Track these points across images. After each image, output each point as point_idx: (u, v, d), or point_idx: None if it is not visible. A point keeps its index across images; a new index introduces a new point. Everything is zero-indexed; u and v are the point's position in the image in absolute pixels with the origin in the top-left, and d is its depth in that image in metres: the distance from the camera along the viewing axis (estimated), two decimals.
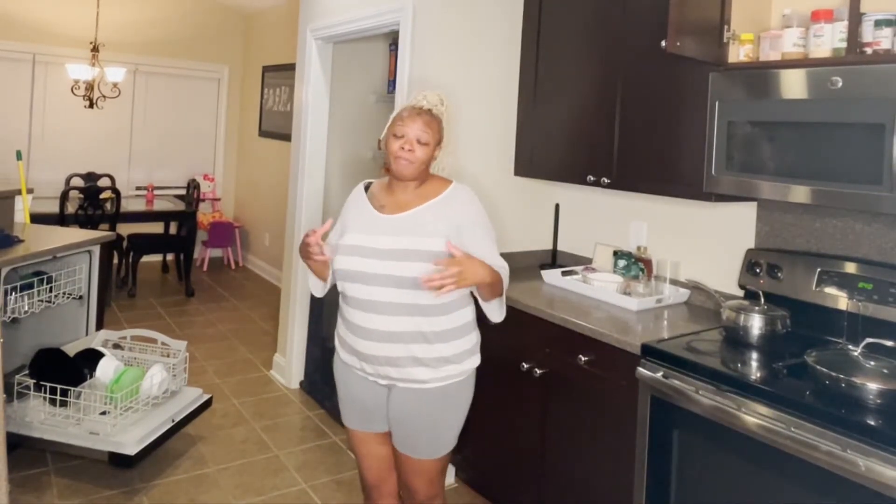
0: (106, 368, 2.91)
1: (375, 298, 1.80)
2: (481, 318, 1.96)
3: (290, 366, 3.87)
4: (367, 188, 2.02)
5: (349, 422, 2.00)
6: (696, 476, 1.86)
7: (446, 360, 1.83)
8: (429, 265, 1.74)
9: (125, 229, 5.84)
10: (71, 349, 3.00)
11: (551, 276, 2.76)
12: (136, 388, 2.85)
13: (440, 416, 1.86)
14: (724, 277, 2.48)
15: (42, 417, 2.74)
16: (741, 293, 2.37)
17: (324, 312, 3.72)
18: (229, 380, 3.90)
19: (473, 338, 1.92)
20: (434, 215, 1.84)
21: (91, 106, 5.69)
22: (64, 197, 5.04)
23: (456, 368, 1.85)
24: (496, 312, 1.92)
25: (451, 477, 2.82)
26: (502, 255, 1.92)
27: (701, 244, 2.59)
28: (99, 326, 3.37)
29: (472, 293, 1.91)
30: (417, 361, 1.80)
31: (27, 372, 2.87)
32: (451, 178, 1.98)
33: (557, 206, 3.18)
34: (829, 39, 1.94)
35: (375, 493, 2.03)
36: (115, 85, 5.76)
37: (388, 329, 1.80)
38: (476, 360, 1.93)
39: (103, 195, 5.22)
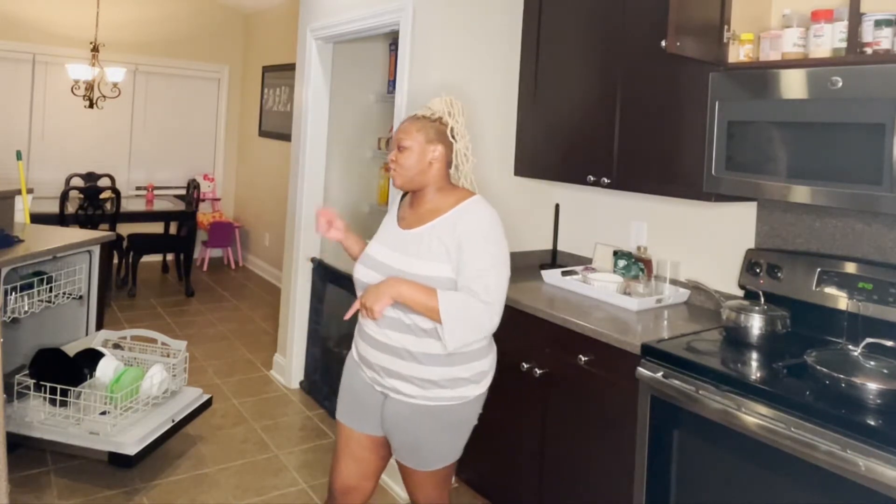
0: (106, 368, 2.91)
1: None
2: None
3: (290, 366, 3.87)
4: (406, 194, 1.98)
5: (341, 415, 1.96)
6: (696, 476, 1.86)
7: (434, 383, 1.76)
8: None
9: (125, 229, 5.84)
10: (71, 349, 2.99)
11: (551, 276, 2.76)
12: (136, 388, 2.85)
13: (428, 433, 1.80)
14: (724, 277, 2.48)
15: (42, 417, 2.74)
16: (741, 293, 2.37)
17: (324, 312, 3.72)
18: (229, 380, 3.90)
19: (477, 366, 1.81)
20: (437, 236, 1.77)
21: (91, 106, 5.68)
22: (64, 197, 5.04)
23: (448, 393, 1.78)
24: (445, 337, 1.70)
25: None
26: None
27: (701, 244, 2.59)
28: (99, 326, 3.37)
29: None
30: (403, 377, 1.78)
31: (27, 372, 2.87)
32: (475, 187, 1.91)
33: (557, 206, 3.18)
34: (829, 39, 1.94)
35: (341, 501, 1.95)
36: (115, 85, 5.76)
37: (383, 340, 1.80)
38: (478, 389, 1.82)
39: (103, 195, 5.22)
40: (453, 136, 1.85)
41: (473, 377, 1.81)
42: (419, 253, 1.78)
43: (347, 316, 1.81)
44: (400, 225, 1.88)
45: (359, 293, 1.88)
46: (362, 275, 1.87)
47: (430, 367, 1.76)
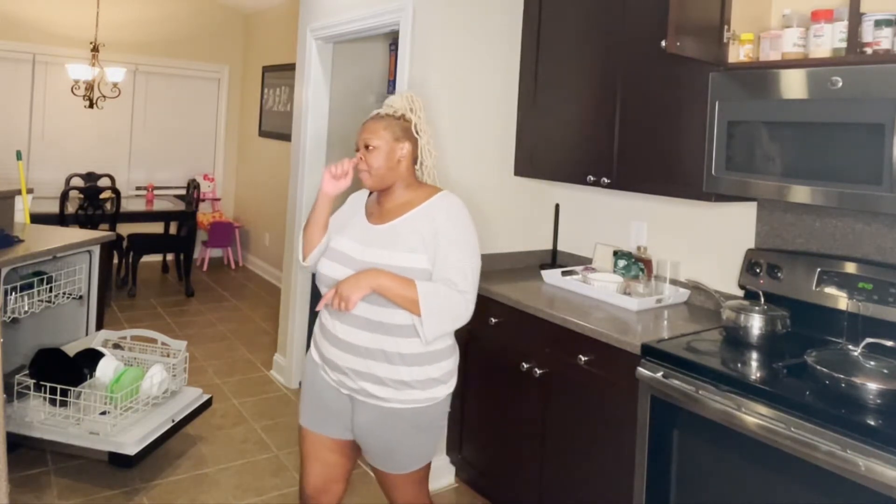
0: (106, 368, 2.91)
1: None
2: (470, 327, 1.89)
3: (290, 366, 3.87)
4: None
5: (305, 420, 1.92)
6: (696, 476, 1.86)
7: (407, 384, 1.75)
8: None
9: (125, 229, 5.84)
10: (71, 349, 2.99)
11: (551, 276, 2.76)
12: (136, 388, 2.85)
13: (401, 437, 1.78)
14: (724, 277, 2.48)
15: (42, 417, 2.74)
16: (741, 293, 2.37)
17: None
18: (229, 380, 3.90)
19: (446, 366, 1.82)
20: (412, 227, 1.78)
21: (91, 106, 5.68)
22: (64, 197, 5.04)
23: (420, 394, 1.77)
24: (424, 327, 1.71)
25: (451, 477, 2.83)
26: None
27: (701, 244, 2.59)
28: (99, 326, 3.37)
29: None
30: (377, 379, 1.75)
31: (27, 372, 2.87)
32: (438, 182, 1.94)
33: (557, 206, 3.18)
34: (829, 39, 1.94)
35: None
36: (115, 85, 5.76)
37: (354, 342, 1.76)
38: (446, 389, 1.83)
39: (103, 195, 5.22)
40: (417, 132, 1.87)
41: (442, 377, 1.81)
42: (395, 245, 1.77)
43: (319, 307, 1.78)
44: (369, 221, 1.87)
45: (323, 290, 1.85)
46: (329, 270, 1.83)
47: (402, 367, 1.74)
